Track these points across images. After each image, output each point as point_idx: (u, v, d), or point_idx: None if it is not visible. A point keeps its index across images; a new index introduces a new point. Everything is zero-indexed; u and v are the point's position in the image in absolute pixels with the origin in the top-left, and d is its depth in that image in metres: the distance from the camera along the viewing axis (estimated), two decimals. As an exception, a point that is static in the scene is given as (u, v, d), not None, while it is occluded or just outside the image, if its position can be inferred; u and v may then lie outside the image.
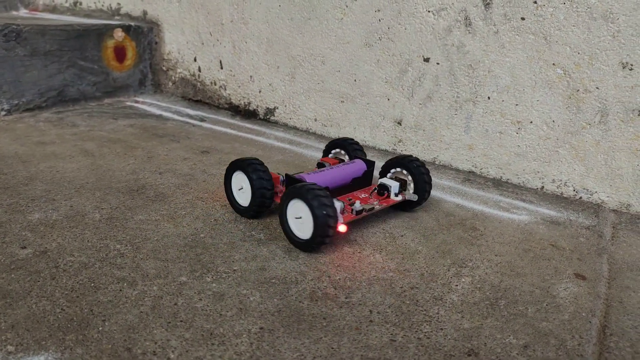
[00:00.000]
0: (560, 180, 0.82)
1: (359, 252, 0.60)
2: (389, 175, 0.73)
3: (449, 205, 0.76)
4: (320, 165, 0.77)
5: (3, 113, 1.06)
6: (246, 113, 1.20)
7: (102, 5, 1.44)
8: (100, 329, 0.44)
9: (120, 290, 0.49)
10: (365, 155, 0.78)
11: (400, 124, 0.97)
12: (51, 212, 0.65)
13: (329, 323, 0.47)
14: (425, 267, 0.58)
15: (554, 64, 0.79)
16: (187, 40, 1.27)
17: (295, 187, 0.59)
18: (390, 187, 0.68)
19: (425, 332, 0.46)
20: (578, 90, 0.78)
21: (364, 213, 0.64)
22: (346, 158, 0.79)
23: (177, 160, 0.88)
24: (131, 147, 0.93)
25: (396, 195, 0.68)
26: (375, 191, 0.69)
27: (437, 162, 0.94)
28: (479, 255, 0.61)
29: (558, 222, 0.72)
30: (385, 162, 0.73)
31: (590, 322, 0.50)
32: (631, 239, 0.70)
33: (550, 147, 0.82)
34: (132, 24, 1.27)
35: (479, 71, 0.86)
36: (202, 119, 1.15)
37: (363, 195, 0.69)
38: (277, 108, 1.14)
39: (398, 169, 0.72)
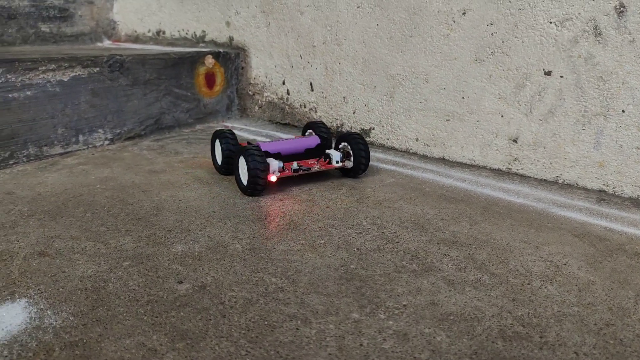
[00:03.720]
0: None
1: (528, 284, 0.55)
2: (339, 147, 0.89)
3: (598, 230, 0.70)
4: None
5: (107, 142, 1.08)
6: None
7: (187, 34, 1.46)
8: (296, 374, 0.41)
9: (297, 329, 0.47)
10: (329, 136, 0.94)
11: (516, 142, 0.92)
12: (192, 243, 0.64)
13: (537, 367, 0.42)
14: (609, 300, 0.52)
15: (703, 72, 0.73)
16: (276, 64, 1.27)
17: (242, 148, 0.79)
18: (332, 155, 0.86)
19: (651, 379, 0.41)
20: None
21: (301, 172, 0.83)
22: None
23: (289, 184, 0.86)
24: (240, 173, 0.92)
25: (337, 162, 0.86)
26: (322, 159, 0.89)
27: (560, 181, 0.88)
28: (661, 286, 0.55)
29: None
30: (337, 138, 0.91)
31: None
32: None
33: (700, 162, 0.75)
34: (221, 50, 1.29)
35: (611, 83, 0.80)
36: (296, 142, 1.14)
37: (311, 162, 0.87)
38: (374, 129, 1.11)
39: (344, 144, 0.88)
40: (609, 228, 0.71)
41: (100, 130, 1.06)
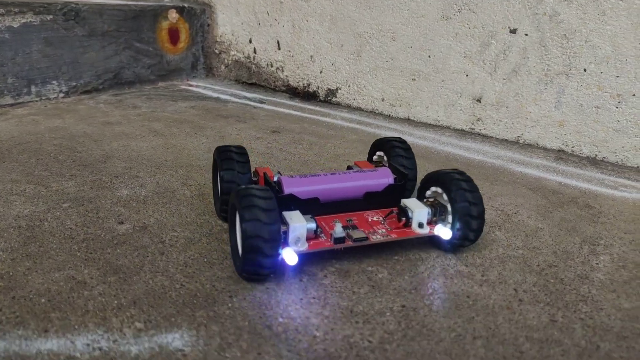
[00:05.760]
0: (667, 157, 0.76)
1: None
2: (427, 194, 0.51)
3: (552, 184, 0.70)
4: (349, 169, 0.60)
5: (62, 95, 1.03)
6: (305, 95, 1.15)
7: (151, -11, 1.40)
8: (229, 305, 0.40)
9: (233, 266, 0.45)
10: (412, 164, 0.58)
11: (480, 102, 0.91)
12: (138, 188, 0.61)
13: (475, 301, 0.42)
14: (554, 245, 0.52)
15: (662, 31, 0.73)
16: (242, 21, 1.23)
17: (237, 191, 0.43)
18: (412, 211, 0.48)
19: (586, 312, 0.41)
20: (692, 58, 0.71)
21: (349, 243, 0.45)
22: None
23: (250, 139, 0.84)
24: (199, 126, 0.89)
25: (421, 227, 0.48)
26: (395, 215, 0.49)
27: (521, 141, 0.88)
28: (607, 233, 0.56)
29: (676, 201, 0.66)
30: (426, 176, 0.52)
31: None
32: None
33: (655, 121, 0.76)
34: (186, 5, 1.24)
35: (575, 41, 0.80)
36: (261, 101, 1.11)
37: (375, 218, 0.50)
38: (340, 89, 1.09)
39: (435, 188, 0.50)
40: (564, 183, 0.71)
41: (54, 81, 1.01)
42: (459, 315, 0.40)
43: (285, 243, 0.43)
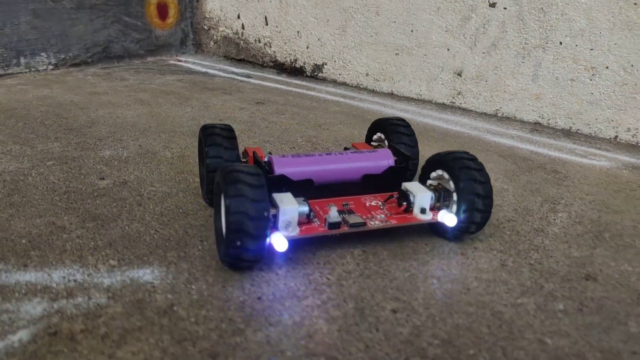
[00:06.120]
0: (636, 128, 0.78)
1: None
2: (431, 177, 0.48)
3: (523, 152, 0.73)
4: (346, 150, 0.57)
5: (51, 67, 1.05)
6: (292, 70, 1.17)
7: (141, -35, 1.41)
8: (200, 247, 0.42)
9: (210, 216, 0.48)
10: (414, 150, 0.55)
11: (460, 75, 0.93)
12: (121, 150, 0.63)
13: (432, 249, 0.44)
14: (516, 203, 0.55)
15: (635, 4, 0.75)
16: (231, -3, 1.24)
17: (223, 169, 0.39)
18: (414, 196, 0.44)
19: (535, 259, 0.44)
20: (662, 31, 0.74)
21: (345, 228, 0.42)
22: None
23: (234, 109, 0.86)
24: (185, 98, 0.91)
25: (423, 212, 0.44)
26: (395, 200, 0.46)
27: (499, 114, 0.91)
28: (569, 194, 0.58)
29: (641, 168, 0.69)
30: (428, 159, 0.48)
31: None
32: None
33: (627, 93, 0.78)
34: (175, -20, 1.25)
35: (551, 15, 0.82)
36: (248, 76, 1.13)
37: (374, 203, 0.46)
38: (326, 64, 1.11)
39: (439, 171, 0.46)
40: (535, 152, 0.73)
41: (43, 53, 1.03)
42: (415, 259, 0.43)
43: (275, 227, 0.39)
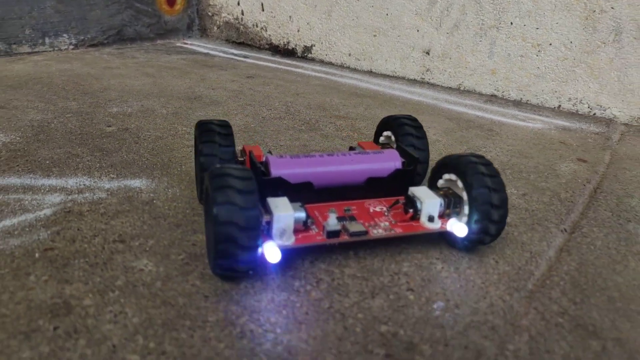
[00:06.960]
0: (576, 98, 0.89)
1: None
2: (440, 181, 0.44)
3: (470, 116, 0.84)
4: (351, 149, 0.53)
5: (71, 47, 1.19)
6: (285, 52, 1.30)
7: (153, -43, 1.55)
8: (178, 169, 0.55)
9: (190, 152, 0.61)
10: (425, 152, 0.51)
11: (429, 54, 1.05)
12: (126, 108, 0.77)
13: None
14: (443, 149, 0.67)
15: (573, -12, 0.85)
16: (232, -14, 1.37)
17: (211, 171, 0.36)
18: (421, 202, 0.41)
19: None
20: (594, 11, 0.84)
21: (345, 237, 0.39)
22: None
23: (226, 81, 0.99)
24: (185, 72, 1.04)
25: (431, 220, 0.41)
26: (402, 206, 0.43)
27: (461, 88, 1.02)
28: (492, 145, 0.70)
29: (570, 129, 0.80)
30: (439, 161, 0.45)
31: (584, 185, 0.58)
32: (636, 141, 0.77)
33: (567, 67, 0.89)
34: (182, -30, 1.38)
35: (503, -2, 0.92)
36: (245, 56, 1.26)
37: (378, 209, 0.43)
38: (314, 46, 1.23)
39: (450, 175, 0.43)
40: (479, 116, 0.85)
41: (65, 35, 1.17)
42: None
43: (269, 236, 0.37)
